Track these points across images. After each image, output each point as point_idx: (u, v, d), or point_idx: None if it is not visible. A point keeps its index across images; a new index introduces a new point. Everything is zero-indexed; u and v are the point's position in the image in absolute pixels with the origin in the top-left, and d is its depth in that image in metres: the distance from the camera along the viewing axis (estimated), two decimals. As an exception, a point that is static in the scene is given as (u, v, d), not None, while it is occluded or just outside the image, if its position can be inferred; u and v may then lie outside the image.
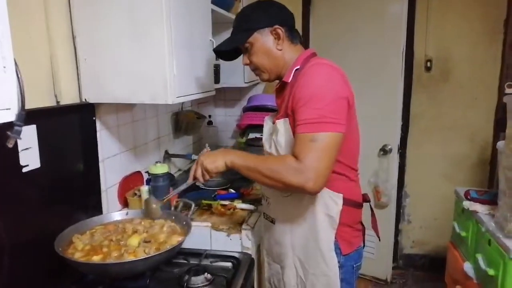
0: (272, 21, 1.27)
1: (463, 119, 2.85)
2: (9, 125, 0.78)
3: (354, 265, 1.34)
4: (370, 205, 1.44)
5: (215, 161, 1.23)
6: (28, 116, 1.14)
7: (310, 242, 1.29)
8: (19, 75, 0.73)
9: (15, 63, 0.72)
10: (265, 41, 1.28)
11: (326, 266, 1.28)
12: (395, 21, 2.64)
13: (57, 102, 1.34)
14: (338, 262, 1.28)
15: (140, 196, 1.69)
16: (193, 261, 1.36)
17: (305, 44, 2.88)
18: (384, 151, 2.79)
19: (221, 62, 2.19)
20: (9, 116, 0.71)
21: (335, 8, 2.84)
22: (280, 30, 1.26)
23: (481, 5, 2.67)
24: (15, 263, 1.10)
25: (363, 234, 1.41)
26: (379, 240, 1.55)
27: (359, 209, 1.35)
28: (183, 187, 1.39)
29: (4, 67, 0.69)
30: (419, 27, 2.79)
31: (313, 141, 1.08)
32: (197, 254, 1.40)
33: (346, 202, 1.26)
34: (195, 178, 1.29)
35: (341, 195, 1.25)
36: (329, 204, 1.25)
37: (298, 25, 2.87)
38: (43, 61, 1.30)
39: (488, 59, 2.72)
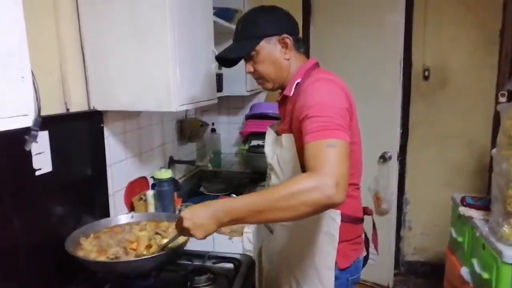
0: (280, 29, 1.23)
1: (461, 127, 2.90)
2: (26, 130, 0.85)
3: (349, 278, 1.31)
4: (372, 218, 1.42)
5: (202, 227, 0.98)
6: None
7: (306, 259, 1.27)
8: (35, 84, 0.80)
9: (32, 73, 0.79)
10: (272, 49, 1.24)
11: (322, 285, 1.26)
12: (393, 31, 2.70)
13: (67, 109, 1.41)
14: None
15: (146, 200, 1.76)
16: (197, 262, 1.41)
17: (305, 54, 2.95)
18: (384, 158, 2.84)
19: (223, 71, 2.27)
20: (27, 121, 0.78)
21: (334, 19, 2.91)
22: (288, 39, 1.23)
23: (477, 16, 2.73)
24: (29, 262, 1.15)
25: (367, 246, 1.39)
26: (377, 254, 1.52)
27: (359, 224, 1.32)
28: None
29: (22, 77, 0.76)
30: (417, 37, 2.86)
31: (330, 146, 0.96)
32: (200, 255, 1.45)
33: (345, 218, 1.23)
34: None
35: (339, 212, 1.21)
36: (329, 222, 1.22)
37: (299, 36, 2.96)
38: (54, 70, 1.36)
39: (485, 68, 2.78)
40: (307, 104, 1.08)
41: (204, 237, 1.00)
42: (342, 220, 1.22)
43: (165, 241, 1.26)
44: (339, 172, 0.93)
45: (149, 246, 1.28)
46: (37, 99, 0.82)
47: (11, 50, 0.71)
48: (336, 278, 1.26)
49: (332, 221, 1.22)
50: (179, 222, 1.02)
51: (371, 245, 1.44)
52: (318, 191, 0.90)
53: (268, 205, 0.94)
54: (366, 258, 1.40)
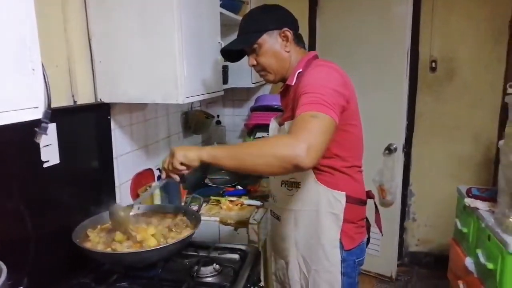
0: (281, 24, 1.31)
1: (467, 119, 2.88)
2: (36, 123, 0.85)
3: (356, 260, 1.37)
4: (374, 201, 1.48)
5: (186, 154, 1.11)
6: (49, 114, 1.22)
7: (313, 239, 1.34)
8: (45, 77, 0.80)
9: (42, 66, 0.80)
10: (274, 43, 1.31)
11: (328, 262, 1.32)
12: (400, 22, 2.68)
13: (74, 101, 1.42)
14: (340, 256, 1.32)
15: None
16: (203, 253, 1.43)
17: (312, 45, 2.94)
18: (389, 150, 2.83)
19: (229, 63, 2.27)
20: (37, 114, 0.78)
21: (341, 9, 2.89)
22: (289, 33, 1.31)
23: (486, 6, 2.70)
24: (38, 252, 1.17)
25: (368, 230, 1.45)
26: (382, 235, 1.59)
27: (362, 206, 1.39)
28: (156, 187, 1.38)
29: (33, 69, 0.76)
30: (424, 28, 2.84)
31: (314, 116, 1.04)
32: (206, 246, 1.47)
33: (350, 199, 1.30)
34: (167, 175, 1.20)
35: (344, 193, 1.29)
36: (333, 203, 1.30)
37: (305, 26, 2.94)
38: (61, 63, 1.36)
39: (493, 60, 2.75)
40: (304, 84, 1.17)
41: (182, 156, 1.11)
42: (346, 202, 1.30)
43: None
44: (314, 139, 1.00)
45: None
46: (48, 91, 0.82)
47: (22, 43, 0.71)
48: (344, 260, 1.33)
49: (337, 202, 1.30)
50: (170, 155, 1.16)
51: (374, 228, 1.50)
52: (289, 148, 0.99)
53: (243, 150, 1.08)
54: (367, 241, 1.47)
